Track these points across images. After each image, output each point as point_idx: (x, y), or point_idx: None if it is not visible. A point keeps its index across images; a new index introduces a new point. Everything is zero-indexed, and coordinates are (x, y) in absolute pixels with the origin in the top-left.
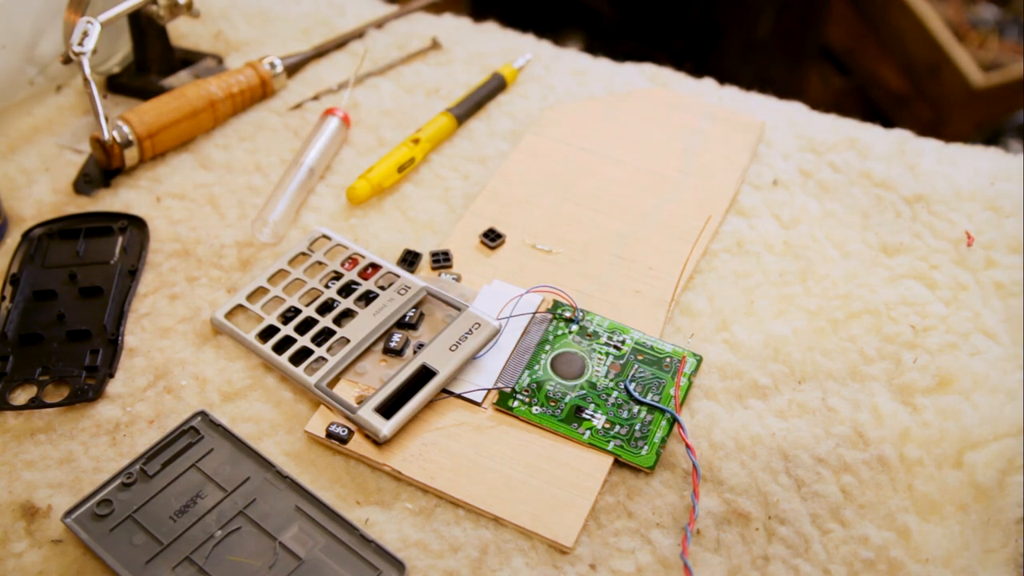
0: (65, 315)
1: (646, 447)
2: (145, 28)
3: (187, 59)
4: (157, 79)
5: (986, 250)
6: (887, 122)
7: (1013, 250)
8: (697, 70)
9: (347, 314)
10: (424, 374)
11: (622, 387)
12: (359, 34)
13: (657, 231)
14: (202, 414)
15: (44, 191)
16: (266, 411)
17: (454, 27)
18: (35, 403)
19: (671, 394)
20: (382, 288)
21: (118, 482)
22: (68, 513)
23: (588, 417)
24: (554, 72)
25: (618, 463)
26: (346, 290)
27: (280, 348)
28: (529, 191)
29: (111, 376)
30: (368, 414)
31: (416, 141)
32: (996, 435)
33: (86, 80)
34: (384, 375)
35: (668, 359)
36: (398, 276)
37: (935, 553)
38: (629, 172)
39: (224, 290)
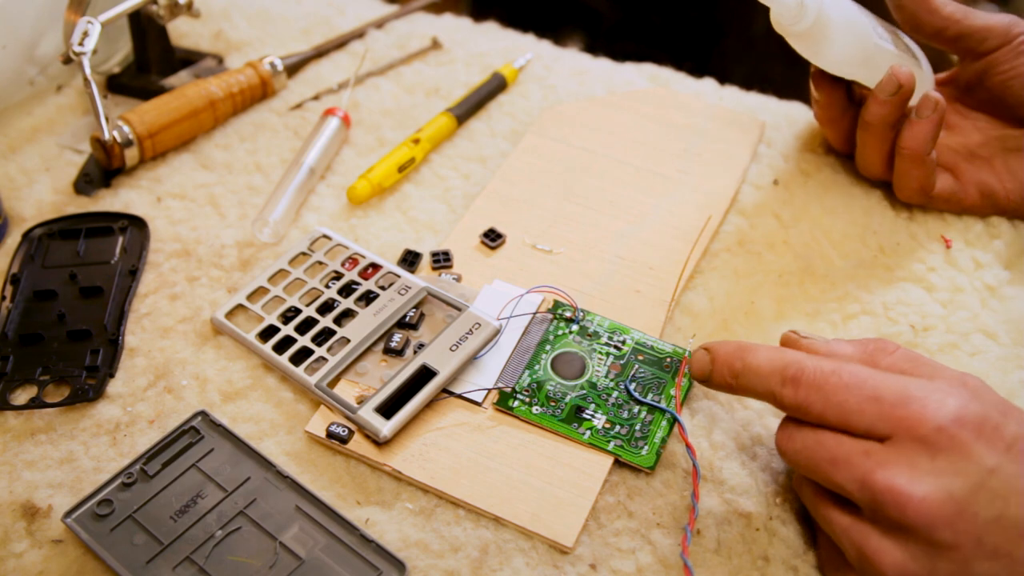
0: (65, 315)
1: (646, 447)
2: (145, 28)
3: (187, 59)
4: (157, 79)
5: (985, 250)
6: None
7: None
8: (697, 70)
9: (347, 314)
10: (424, 374)
11: (622, 387)
12: (359, 34)
13: (657, 231)
14: (202, 414)
15: (44, 191)
16: (266, 411)
17: (454, 27)
18: (35, 403)
19: (671, 394)
20: (382, 288)
21: (118, 482)
22: (68, 513)
23: (588, 417)
24: (554, 72)
25: (618, 463)
26: (346, 290)
27: (280, 348)
28: (529, 191)
29: (111, 376)
30: (368, 414)
31: (416, 141)
32: None
33: (86, 80)
34: (384, 375)
35: (668, 359)
36: (398, 276)
37: None
38: (629, 172)
39: (224, 290)
